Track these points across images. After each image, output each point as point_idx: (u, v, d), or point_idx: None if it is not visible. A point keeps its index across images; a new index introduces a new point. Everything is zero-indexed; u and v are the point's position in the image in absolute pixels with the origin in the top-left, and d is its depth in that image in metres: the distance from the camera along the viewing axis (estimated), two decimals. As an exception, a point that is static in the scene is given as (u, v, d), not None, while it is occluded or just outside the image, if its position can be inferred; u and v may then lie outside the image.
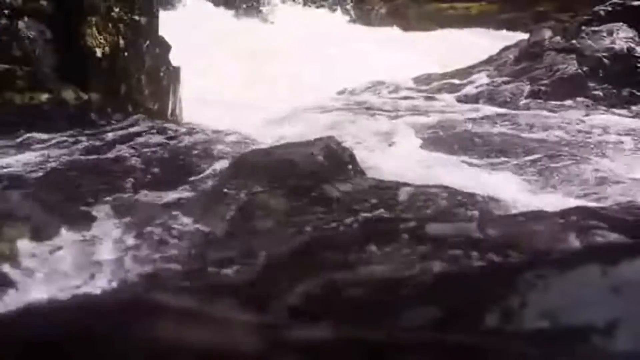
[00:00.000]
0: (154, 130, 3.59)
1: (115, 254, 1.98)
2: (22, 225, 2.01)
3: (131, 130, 3.69)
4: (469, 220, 2.04)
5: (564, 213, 1.70)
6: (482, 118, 4.27)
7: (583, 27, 5.34)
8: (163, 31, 4.47)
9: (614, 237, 1.58)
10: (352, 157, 2.57)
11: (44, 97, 3.83)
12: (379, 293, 1.17)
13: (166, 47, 4.49)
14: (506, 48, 6.01)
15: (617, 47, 4.93)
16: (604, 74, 4.83)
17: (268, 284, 1.69)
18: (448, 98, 5.12)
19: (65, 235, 2.04)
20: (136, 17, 4.25)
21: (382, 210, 2.16)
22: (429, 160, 3.25)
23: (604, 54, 4.93)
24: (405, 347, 0.73)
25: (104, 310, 0.75)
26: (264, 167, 2.40)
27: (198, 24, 7.61)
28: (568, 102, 4.59)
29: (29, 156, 3.13)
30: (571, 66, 4.95)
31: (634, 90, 4.68)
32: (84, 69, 4.01)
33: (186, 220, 2.20)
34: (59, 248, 1.97)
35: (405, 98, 5.23)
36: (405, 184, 2.29)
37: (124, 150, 3.20)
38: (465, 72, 5.79)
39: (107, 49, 4.07)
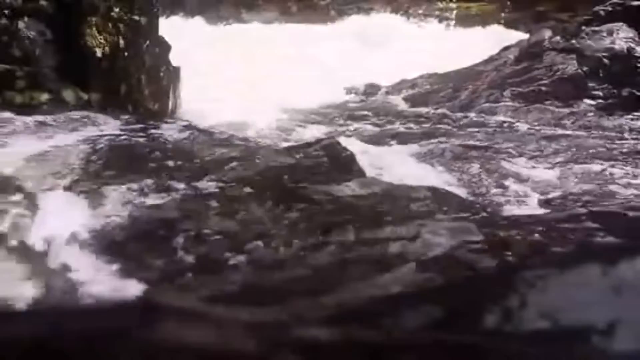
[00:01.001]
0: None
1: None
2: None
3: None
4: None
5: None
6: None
7: (583, 27, 5.34)
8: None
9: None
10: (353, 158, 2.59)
11: (44, 97, 3.83)
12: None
13: (166, 47, 4.49)
14: (506, 48, 6.01)
15: (617, 47, 4.93)
16: (604, 74, 4.83)
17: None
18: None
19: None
20: (136, 17, 4.25)
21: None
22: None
23: (604, 54, 4.93)
24: (405, 347, 0.73)
25: (106, 311, 0.76)
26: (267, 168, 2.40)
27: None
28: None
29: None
30: (571, 66, 4.95)
31: (634, 90, 4.68)
32: (84, 69, 4.00)
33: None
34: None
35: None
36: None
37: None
38: (466, 72, 5.79)
39: (107, 49, 4.07)
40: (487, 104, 4.84)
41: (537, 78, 5.00)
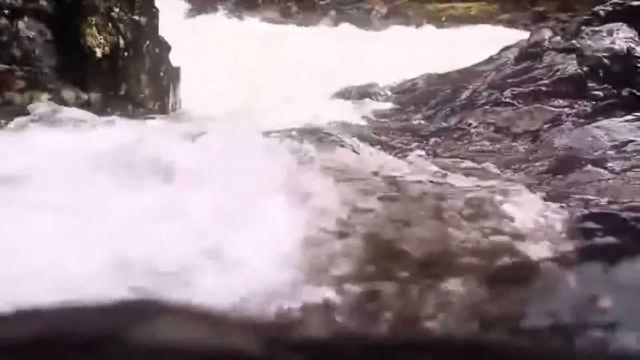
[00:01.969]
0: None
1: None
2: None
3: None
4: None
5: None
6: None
7: (583, 27, 5.33)
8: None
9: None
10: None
11: (44, 97, 3.84)
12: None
13: (166, 47, 4.50)
14: (506, 48, 6.01)
15: (617, 47, 4.92)
16: (604, 74, 4.83)
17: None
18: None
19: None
20: (136, 17, 4.25)
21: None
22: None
23: (604, 54, 4.92)
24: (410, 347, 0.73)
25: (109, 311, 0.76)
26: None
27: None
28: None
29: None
30: (571, 66, 4.94)
31: (634, 90, 4.68)
32: (84, 69, 4.01)
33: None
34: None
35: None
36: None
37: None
38: (466, 72, 5.79)
39: (107, 49, 4.07)
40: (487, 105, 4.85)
41: (537, 78, 5.00)
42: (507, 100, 4.90)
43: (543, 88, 4.87)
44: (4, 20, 3.80)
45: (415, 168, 2.73)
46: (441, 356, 0.70)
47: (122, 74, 4.15)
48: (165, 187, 2.10)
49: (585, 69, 4.89)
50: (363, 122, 4.73)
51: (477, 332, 1.10)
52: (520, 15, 9.60)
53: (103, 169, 2.34)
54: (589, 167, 3.33)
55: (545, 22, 7.84)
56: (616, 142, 3.83)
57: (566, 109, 4.63)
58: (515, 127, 4.49)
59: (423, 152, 3.36)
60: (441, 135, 4.38)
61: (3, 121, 2.98)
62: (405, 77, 6.10)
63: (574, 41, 5.15)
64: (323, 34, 8.63)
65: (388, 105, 5.49)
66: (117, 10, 4.16)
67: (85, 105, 3.96)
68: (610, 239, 1.93)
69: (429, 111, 5.10)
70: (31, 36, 3.86)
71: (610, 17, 5.33)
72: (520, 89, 4.96)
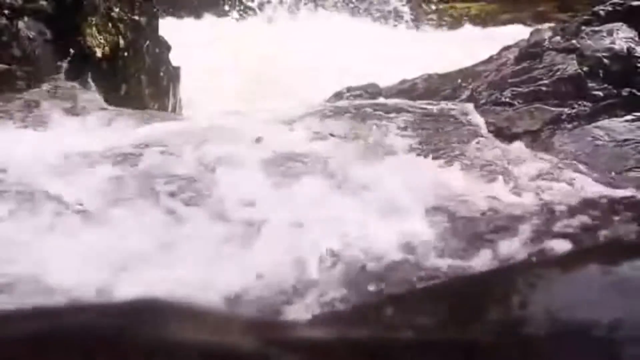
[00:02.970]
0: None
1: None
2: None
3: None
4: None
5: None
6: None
7: (583, 27, 5.33)
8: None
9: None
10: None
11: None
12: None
13: (166, 47, 4.50)
14: (506, 48, 6.00)
15: (617, 47, 4.92)
16: (604, 74, 4.82)
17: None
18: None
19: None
20: (136, 17, 4.25)
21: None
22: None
23: (604, 54, 4.92)
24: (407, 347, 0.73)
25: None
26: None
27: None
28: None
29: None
30: (571, 66, 4.94)
31: (634, 90, 4.68)
32: (84, 69, 4.01)
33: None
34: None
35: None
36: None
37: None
38: (466, 72, 5.78)
39: (107, 49, 4.07)
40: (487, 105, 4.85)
41: (537, 78, 4.99)
42: (507, 100, 4.90)
43: (543, 88, 4.87)
44: (4, 20, 3.80)
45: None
46: (441, 356, 0.70)
47: (122, 74, 4.15)
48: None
49: (585, 69, 4.88)
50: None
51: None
52: (520, 15, 9.59)
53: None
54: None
55: (545, 22, 7.83)
56: (616, 142, 3.83)
57: (566, 109, 4.63)
58: (515, 127, 4.49)
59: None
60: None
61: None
62: (405, 77, 6.10)
63: (574, 41, 5.15)
64: (323, 34, 8.62)
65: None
66: (117, 10, 4.16)
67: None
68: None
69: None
70: (31, 36, 3.86)
71: (610, 17, 5.33)
72: (520, 89, 4.95)
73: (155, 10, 4.47)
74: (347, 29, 9.19)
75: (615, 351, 0.74)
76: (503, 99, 4.92)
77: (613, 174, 3.27)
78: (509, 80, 5.16)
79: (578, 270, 0.89)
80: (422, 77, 6.01)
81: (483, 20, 9.70)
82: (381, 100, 3.58)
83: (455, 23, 9.69)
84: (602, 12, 5.44)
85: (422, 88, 5.75)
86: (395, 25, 9.82)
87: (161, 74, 4.37)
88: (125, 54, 4.13)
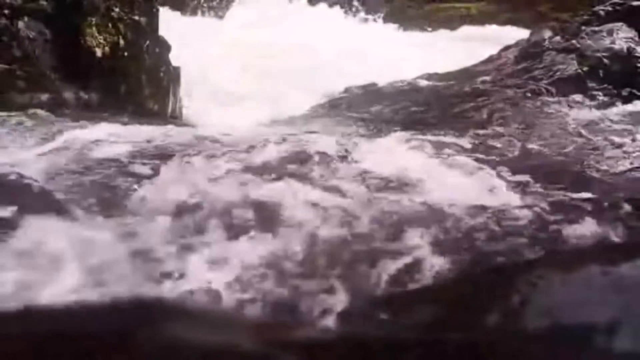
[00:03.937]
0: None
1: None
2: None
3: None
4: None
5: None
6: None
7: (583, 27, 5.33)
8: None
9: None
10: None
11: (44, 97, 3.84)
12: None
13: (166, 47, 4.50)
14: (506, 48, 6.01)
15: (617, 47, 4.93)
16: (604, 74, 4.83)
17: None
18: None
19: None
20: (136, 17, 4.25)
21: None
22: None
23: (604, 54, 4.93)
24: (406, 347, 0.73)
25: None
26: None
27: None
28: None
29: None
30: (571, 66, 4.95)
31: (634, 90, 4.68)
32: (84, 69, 4.01)
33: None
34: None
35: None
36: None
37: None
38: (466, 72, 5.79)
39: (107, 49, 4.08)
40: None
41: (537, 78, 5.00)
42: (507, 100, 4.90)
43: (543, 88, 4.87)
44: (4, 20, 3.80)
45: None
46: (439, 355, 0.70)
47: (122, 74, 4.15)
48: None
49: (585, 69, 4.89)
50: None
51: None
52: (520, 15, 9.60)
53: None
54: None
55: (545, 22, 7.83)
56: (616, 142, 3.84)
57: (566, 109, 4.63)
58: (515, 127, 4.49)
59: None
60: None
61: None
62: (405, 77, 6.10)
63: (574, 41, 5.15)
64: (323, 34, 8.62)
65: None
66: (117, 10, 4.16)
67: (85, 106, 3.96)
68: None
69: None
70: (31, 36, 3.87)
71: (610, 17, 5.33)
72: (520, 89, 4.96)
73: (155, 10, 4.47)
74: (342, 27, 9.18)
75: (615, 351, 0.74)
76: (503, 99, 4.92)
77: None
78: (509, 80, 5.17)
79: (578, 270, 0.90)
80: (422, 77, 6.02)
81: (483, 20, 9.71)
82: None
83: (456, 23, 9.69)
84: (602, 12, 5.45)
85: (422, 88, 5.75)
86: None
87: (161, 74, 4.37)
88: (125, 54, 4.13)
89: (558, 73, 4.96)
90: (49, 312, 0.78)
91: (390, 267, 1.93)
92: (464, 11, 10.37)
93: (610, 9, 5.45)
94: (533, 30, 6.02)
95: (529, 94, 4.83)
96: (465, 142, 3.51)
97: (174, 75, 4.51)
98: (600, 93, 4.71)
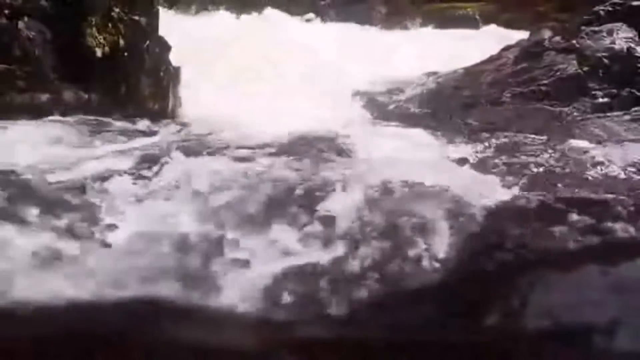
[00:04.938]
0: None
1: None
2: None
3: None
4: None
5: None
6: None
7: (583, 27, 5.33)
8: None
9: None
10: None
11: (44, 97, 3.84)
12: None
13: (166, 47, 4.49)
14: (506, 48, 6.00)
15: (617, 47, 4.92)
16: (604, 74, 4.82)
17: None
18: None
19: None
20: (136, 17, 4.25)
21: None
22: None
23: (604, 54, 4.92)
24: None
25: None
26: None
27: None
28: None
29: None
30: (571, 66, 4.94)
31: (634, 90, 4.68)
32: (84, 69, 4.01)
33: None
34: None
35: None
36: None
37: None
38: (466, 72, 5.79)
39: (107, 49, 4.08)
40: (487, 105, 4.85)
41: (537, 78, 5.00)
42: (507, 100, 4.90)
43: (543, 88, 4.87)
44: (4, 20, 3.80)
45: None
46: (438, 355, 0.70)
47: (122, 74, 4.15)
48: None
49: (585, 69, 4.89)
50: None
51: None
52: (520, 15, 9.59)
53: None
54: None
55: (545, 22, 7.83)
56: (615, 142, 3.84)
57: (566, 109, 4.63)
58: (515, 127, 4.49)
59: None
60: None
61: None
62: (405, 77, 6.10)
63: (574, 41, 5.15)
64: (323, 33, 8.61)
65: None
66: (117, 10, 4.16)
67: (85, 106, 3.96)
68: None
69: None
70: (31, 36, 3.86)
71: (610, 17, 5.33)
72: (520, 89, 4.96)
73: (155, 10, 4.47)
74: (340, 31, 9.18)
75: (615, 351, 0.74)
76: (503, 99, 4.92)
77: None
78: (509, 80, 5.17)
79: (578, 270, 0.89)
80: (422, 77, 6.02)
81: (483, 20, 9.70)
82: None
83: (456, 23, 9.68)
84: (602, 12, 5.45)
85: (422, 88, 5.75)
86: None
87: (161, 74, 4.36)
88: (125, 54, 4.13)
89: (558, 73, 4.96)
90: (49, 312, 0.78)
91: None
92: (464, 11, 10.36)
93: (610, 9, 5.45)
94: (533, 30, 6.02)
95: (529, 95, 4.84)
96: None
97: (174, 75, 4.51)
98: (600, 93, 4.71)
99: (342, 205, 2.35)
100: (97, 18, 4.07)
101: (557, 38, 5.40)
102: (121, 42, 4.14)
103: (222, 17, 9.10)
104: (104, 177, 2.67)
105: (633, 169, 3.26)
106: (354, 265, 1.93)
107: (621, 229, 2.11)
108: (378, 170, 2.78)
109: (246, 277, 1.79)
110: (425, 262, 1.97)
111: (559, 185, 3.04)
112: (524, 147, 3.87)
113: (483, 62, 5.99)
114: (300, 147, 3.42)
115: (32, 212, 2.15)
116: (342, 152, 3.29)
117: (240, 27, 8.60)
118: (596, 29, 5.19)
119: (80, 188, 2.51)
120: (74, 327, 0.70)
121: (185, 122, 4.30)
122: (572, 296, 0.81)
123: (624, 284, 0.82)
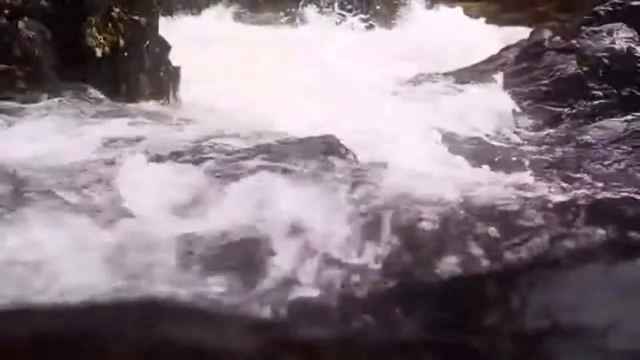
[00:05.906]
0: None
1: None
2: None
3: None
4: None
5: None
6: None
7: (583, 27, 5.33)
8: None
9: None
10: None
11: (44, 97, 3.84)
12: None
13: (166, 47, 4.50)
14: (506, 48, 6.01)
15: (617, 47, 4.93)
16: (604, 74, 4.83)
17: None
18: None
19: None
20: (136, 17, 4.25)
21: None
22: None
23: (604, 54, 4.92)
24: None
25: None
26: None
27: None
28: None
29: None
30: (571, 66, 4.95)
31: (634, 90, 4.68)
32: (84, 69, 4.01)
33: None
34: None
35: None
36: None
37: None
38: (466, 72, 5.79)
39: (107, 49, 4.08)
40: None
41: (537, 78, 5.00)
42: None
43: (543, 88, 4.88)
44: (4, 20, 3.80)
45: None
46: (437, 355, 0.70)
47: (122, 74, 4.16)
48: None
49: (585, 69, 4.89)
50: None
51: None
52: (521, 15, 9.59)
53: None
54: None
55: (545, 22, 7.83)
56: (615, 142, 3.84)
57: (566, 109, 4.63)
58: (515, 127, 4.49)
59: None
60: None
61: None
62: (405, 77, 6.10)
63: (574, 41, 5.15)
64: (323, 33, 8.61)
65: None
66: (117, 10, 4.16)
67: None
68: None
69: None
70: (31, 36, 3.86)
71: (610, 17, 5.33)
72: (520, 89, 4.96)
73: (155, 10, 4.48)
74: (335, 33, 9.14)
75: (615, 350, 0.74)
76: (503, 99, 4.92)
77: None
78: (509, 80, 5.17)
79: (578, 270, 0.90)
80: (422, 77, 6.02)
81: (483, 20, 9.69)
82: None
83: (456, 22, 9.67)
84: (602, 12, 5.45)
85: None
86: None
87: (161, 73, 4.37)
88: (125, 54, 4.13)
89: (558, 73, 4.97)
90: (49, 312, 0.78)
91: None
92: (464, 11, 10.35)
93: (610, 9, 5.45)
94: (533, 30, 6.02)
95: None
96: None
97: (174, 75, 4.51)
98: (600, 93, 4.71)
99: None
100: (97, 18, 4.07)
101: (557, 38, 5.40)
102: (121, 42, 4.14)
103: (223, 18, 9.12)
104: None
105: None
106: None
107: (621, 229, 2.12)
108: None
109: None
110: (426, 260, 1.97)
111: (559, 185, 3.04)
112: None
113: (483, 62, 6.00)
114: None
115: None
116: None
117: (240, 27, 8.61)
118: (596, 29, 5.19)
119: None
120: (73, 327, 0.70)
121: (185, 122, 4.30)
122: (572, 296, 0.81)
123: (624, 284, 0.83)
